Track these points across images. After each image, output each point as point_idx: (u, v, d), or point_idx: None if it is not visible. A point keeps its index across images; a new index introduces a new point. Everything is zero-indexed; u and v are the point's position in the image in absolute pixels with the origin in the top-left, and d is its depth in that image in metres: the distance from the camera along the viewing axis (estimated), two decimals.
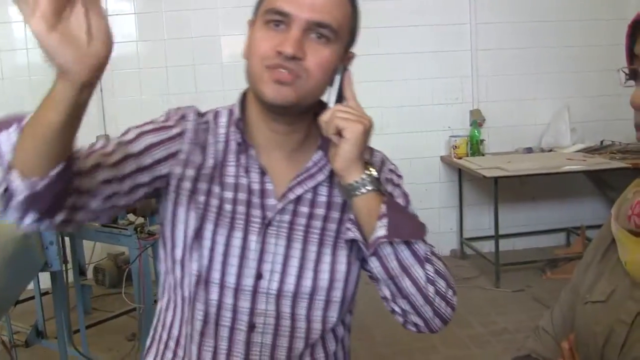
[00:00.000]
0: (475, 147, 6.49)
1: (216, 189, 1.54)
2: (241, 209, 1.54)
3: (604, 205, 6.69)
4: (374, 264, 1.49)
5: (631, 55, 1.15)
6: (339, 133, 1.45)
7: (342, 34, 1.49)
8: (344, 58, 1.55)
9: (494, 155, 6.53)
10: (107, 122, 6.26)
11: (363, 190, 1.46)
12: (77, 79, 1.09)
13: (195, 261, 1.53)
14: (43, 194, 1.19)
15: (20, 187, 1.18)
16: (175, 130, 1.55)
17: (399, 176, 1.73)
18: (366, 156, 1.57)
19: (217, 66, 6.35)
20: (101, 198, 1.36)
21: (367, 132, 1.48)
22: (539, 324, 1.51)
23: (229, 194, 1.54)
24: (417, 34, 6.57)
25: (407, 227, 1.47)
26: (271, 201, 1.55)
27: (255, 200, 1.55)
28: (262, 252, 1.54)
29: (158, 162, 1.49)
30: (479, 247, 6.61)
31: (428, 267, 1.49)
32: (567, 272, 5.73)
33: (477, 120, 6.58)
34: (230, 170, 1.56)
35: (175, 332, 1.61)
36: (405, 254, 1.48)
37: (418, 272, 1.48)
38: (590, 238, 5.70)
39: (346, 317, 1.69)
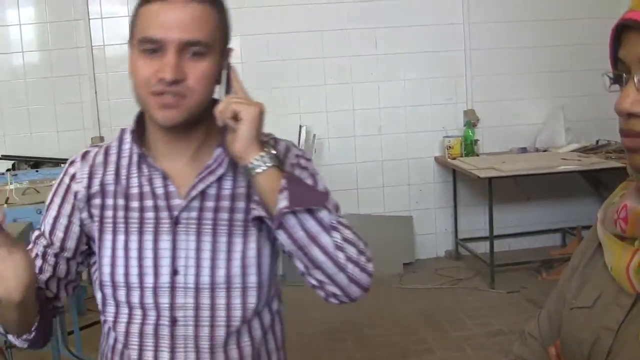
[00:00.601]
0: (469, 147, 6.50)
1: (121, 202, 1.69)
2: (150, 214, 1.67)
3: (600, 205, 6.65)
4: (281, 237, 1.57)
5: (615, 60, 1.14)
6: (235, 117, 1.55)
7: (215, 42, 1.60)
8: (224, 56, 1.66)
9: (489, 156, 6.54)
10: (101, 124, 6.28)
11: (263, 167, 1.55)
12: (11, 301, 1.45)
13: (108, 273, 1.69)
14: (37, 338, 1.65)
15: (19, 343, 1.67)
16: (66, 179, 1.75)
17: (307, 159, 1.80)
18: (269, 142, 1.69)
19: None
20: (63, 295, 1.78)
21: (261, 113, 1.58)
22: (525, 328, 1.50)
23: (134, 204, 1.68)
24: (412, 35, 6.57)
25: (308, 196, 1.57)
26: (176, 201, 1.67)
27: (161, 203, 1.67)
28: (174, 249, 1.66)
29: (69, 220, 1.73)
30: (474, 247, 6.61)
31: (335, 234, 1.57)
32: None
33: (471, 120, 6.59)
34: (134, 181, 1.70)
35: (110, 341, 1.75)
36: (310, 223, 1.55)
37: (325, 239, 1.56)
38: None
39: (273, 303, 1.80)
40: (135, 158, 1.71)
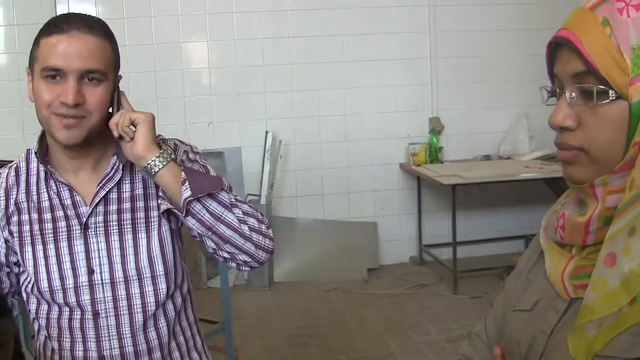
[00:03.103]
0: (434, 154, 6.57)
1: (35, 216, 1.87)
2: (62, 224, 1.86)
3: None
4: (191, 222, 1.79)
5: (552, 75, 1.19)
6: (132, 124, 1.78)
7: (110, 69, 1.80)
8: (116, 82, 1.87)
9: (453, 163, 6.62)
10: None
11: (164, 162, 1.77)
12: None
13: (33, 281, 1.86)
14: None
15: None
16: None
17: (196, 153, 2.00)
18: (166, 142, 1.94)
19: (177, 72, 6.35)
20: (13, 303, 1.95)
21: (154, 120, 1.81)
22: (473, 329, 1.55)
23: (47, 216, 1.87)
24: (378, 42, 6.63)
25: (206, 183, 1.79)
26: (83, 209, 1.87)
27: (70, 212, 1.86)
28: (88, 251, 1.85)
29: None
30: (438, 253, 6.67)
31: (236, 210, 1.81)
32: None
33: (436, 127, 6.66)
34: (44, 196, 1.88)
35: (42, 337, 1.94)
36: (213, 205, 1.79)
37: (229, 216, 1.80)
38: None
39: (183, 286, 2.00)
40: (42, 175, 1.90)
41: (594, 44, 1.08)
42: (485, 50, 6.77)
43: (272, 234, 1.89)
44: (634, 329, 1.03)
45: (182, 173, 1.77)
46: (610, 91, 1.06)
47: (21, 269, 1.91)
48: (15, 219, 1.88)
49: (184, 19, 6.35)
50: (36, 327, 1.95)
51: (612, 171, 1.09)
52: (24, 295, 1.92)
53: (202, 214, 1.78)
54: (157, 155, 1.77)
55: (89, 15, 1.82)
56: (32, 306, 1.91)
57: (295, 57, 6.55)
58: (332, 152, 6.72)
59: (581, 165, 1.14)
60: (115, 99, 1.84)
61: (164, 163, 1.77)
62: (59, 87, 1.72)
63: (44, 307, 1.89)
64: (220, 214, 1.79)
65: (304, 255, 6.60)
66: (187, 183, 1.75)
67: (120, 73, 1.89)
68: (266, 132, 6.39)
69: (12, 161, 1.99)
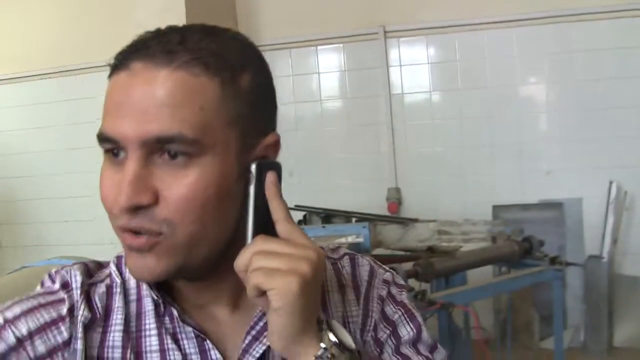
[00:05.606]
0: None
1: None
2: None
3: None
4: None
5: None
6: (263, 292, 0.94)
7: (214, 133, 0.96)
8: (254, 152, 1.03)
9: None
10: (398, 175, 6.14)
11: None
12: None
13: None
14: None
15: None
16: (63, 308, 1.04)
17: (401, 287, 1.23)
18: (329, 321, 1.03)
19: (512, 117, 6.06)
20: None
21: (307, 285, 0.94)
22: None
23: None
24: None
25: None
26: None
27: None
28: None
29: None
30: None
31: None
32: None
33: None
34: (153, 341, 1.05)
35: None
36: None
37: None
38: None
39: None
40: (149, 304, 1.08)
41: None
42: None
43: None
44: None
45: None
46: None
47: None
48: None
49: (519, 60, 6.04)
50: None
51: None
52: None
53: None
54: (309, 356, 0.96)
55: (187, 28, 1.01)
56: None
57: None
58: None
59: None
60: (250, 191, 1.00)
61: None
62: (119, 175, 0.96)
63: None
64: None
65: None
66: None
67: (275, 134, 1.07)
68: (610, 182, 5.88)
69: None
